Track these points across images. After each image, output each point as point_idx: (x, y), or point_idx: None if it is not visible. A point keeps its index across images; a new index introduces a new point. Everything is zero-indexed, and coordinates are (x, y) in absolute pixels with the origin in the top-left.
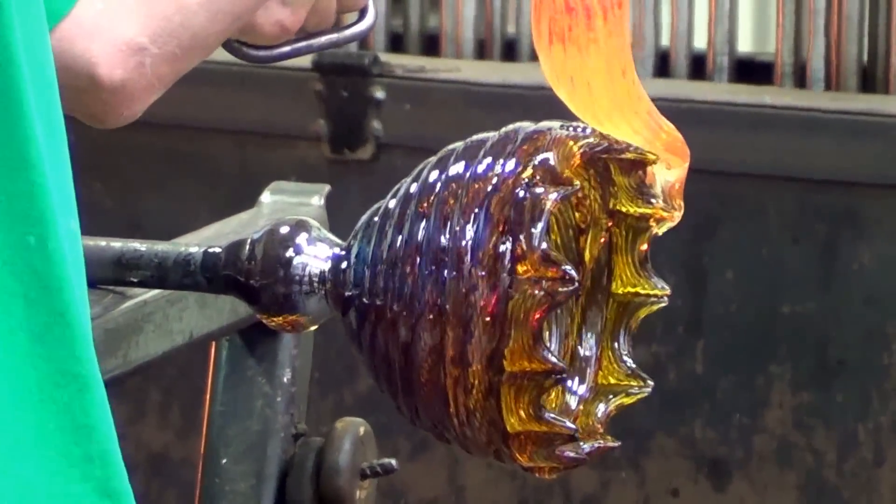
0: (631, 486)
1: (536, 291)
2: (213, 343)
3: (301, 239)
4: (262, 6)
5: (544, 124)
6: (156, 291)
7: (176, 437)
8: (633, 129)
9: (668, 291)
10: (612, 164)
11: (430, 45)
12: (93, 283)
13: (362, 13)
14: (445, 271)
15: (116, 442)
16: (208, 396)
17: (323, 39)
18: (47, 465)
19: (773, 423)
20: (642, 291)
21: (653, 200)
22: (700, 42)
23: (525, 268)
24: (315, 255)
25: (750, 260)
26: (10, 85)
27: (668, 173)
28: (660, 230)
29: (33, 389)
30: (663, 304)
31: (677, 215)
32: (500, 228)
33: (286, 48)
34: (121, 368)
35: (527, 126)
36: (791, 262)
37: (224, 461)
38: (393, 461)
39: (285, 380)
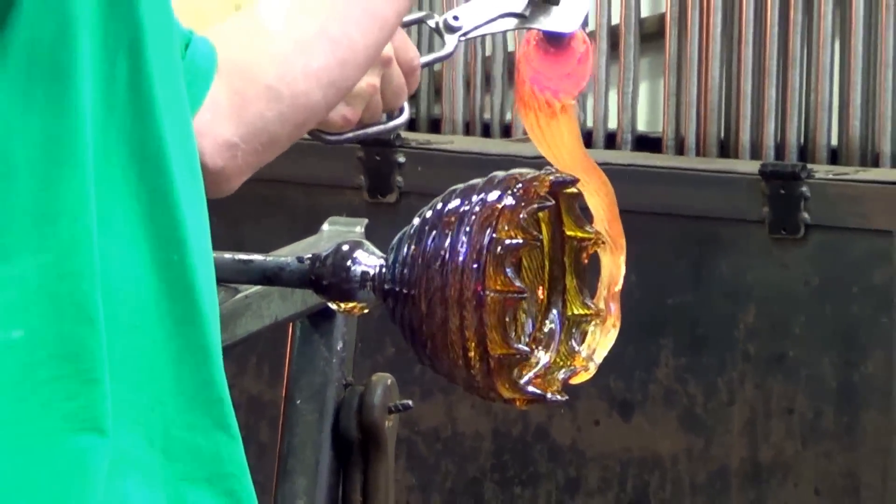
0: (567, 418)
1: (499, 296)
2: (291, 324)
3: (357, 253)
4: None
5: (514, 171)
6: (254, 288)
7: (266, 386)
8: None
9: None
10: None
11: (434, 126)
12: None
13: (400, 111)
14: (448, 269)
15: (228, 391)
16: (287, 359)
17: (373, 129)
18: (184, 407)
19: (661, 377)
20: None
21: (582, 352)
22: (612, 124)
23: (493, 280)
24: (366, 263)
25: (646, 268)
26: (161, 159)
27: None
28: (578, 379)
29: (175, 357)
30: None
31: (592, 370)
32: (483, 240)
33: (349, 134)
34: (230, 340)
35: (501, 173)
36: (673, 270)
37: (298, 402)
38: (409, 402)
39: (338, 348)
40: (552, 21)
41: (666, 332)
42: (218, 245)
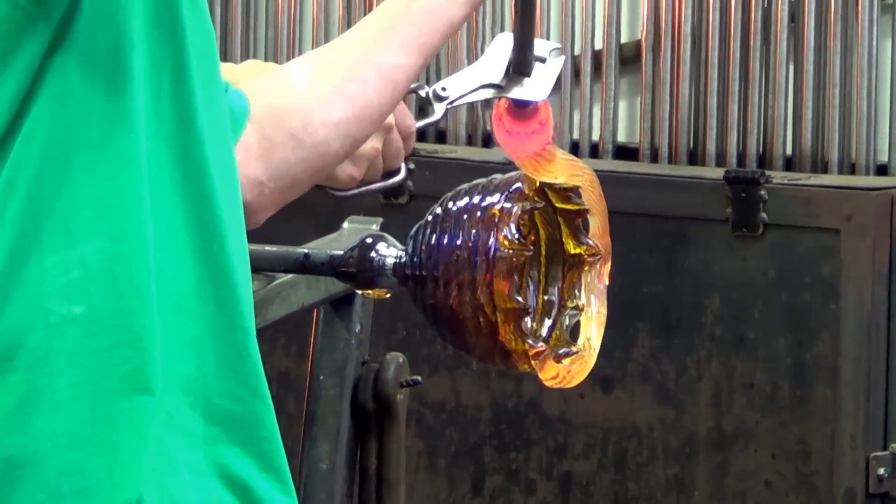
0: (556, 392)
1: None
2: (316, 309)
3: (379, 245)
4: (339, 165)
5: (510, 174)
6: (285, 277)
7: (293, 362)
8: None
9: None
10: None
11: (440, 137)
12: (255, 270)
13: (398, 170)
14: (458, 257)
15: (261, 363)
16: (312, 339)
17: (374, 186)
18: (225, 377)
19: (638, 356)
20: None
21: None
22: (595, 136)
23: (499, 269)
24: (387, 254)
25: (625, 261)
26: (202, 163)
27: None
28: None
29: (217, 334)
30: None
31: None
32: (488, 237)
33: (355, 191)
34: (262, 323)
35: (500, 175)
36: (648, 263)
37: (321, 377)
38: (418, 377)
39: (356, 330)
40: (525, 91)
41: (642, 316)
42: (252, 239)
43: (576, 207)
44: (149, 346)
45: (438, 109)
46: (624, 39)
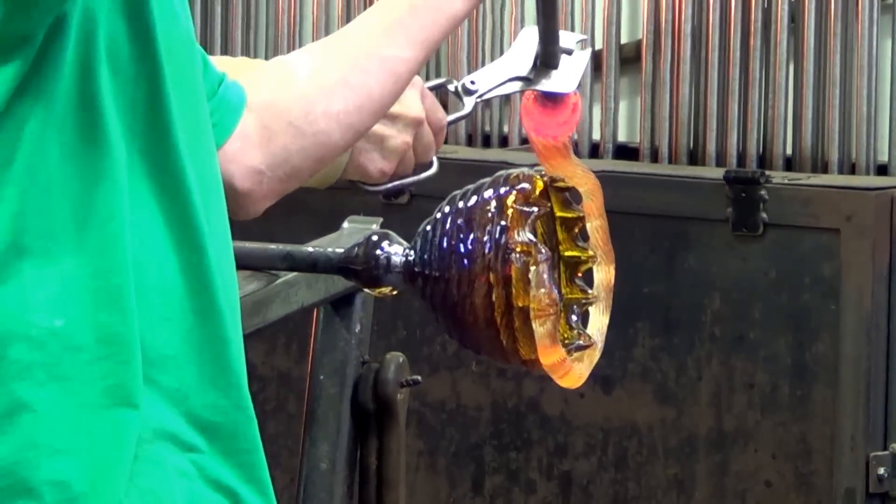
0: (556, 391)
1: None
2: (316, 309)
3: (385, 243)
4: (366, 158)
5: (515, 170)
6: (285, 277)
7: (294, 362)
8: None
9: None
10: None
11: None
12: (258, 268)
13: (430, 164)
14: (466, 255)
15: (245, 373)
16: (312, 339)
17: (407, 181)
18: (206, 389)
19: (638, 356)
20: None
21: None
22: (596, 135)
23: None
24: (394, 252)
25: (625, 261)
26: (179, 176)
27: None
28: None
29: (196, 346)
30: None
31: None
32: (495, 229)
33: (388, 185)
34: (262, 323)
35: (505, 171)
36: (648, 262)
37: (321, 377)
38: (418, 377)
39: (356, 330)
40: (552, 83)
41: (642, 316)
42: (252, 239)
43: (578, 229)
44: (130, 361)
45: (468, 103)
46: (624, 39)
